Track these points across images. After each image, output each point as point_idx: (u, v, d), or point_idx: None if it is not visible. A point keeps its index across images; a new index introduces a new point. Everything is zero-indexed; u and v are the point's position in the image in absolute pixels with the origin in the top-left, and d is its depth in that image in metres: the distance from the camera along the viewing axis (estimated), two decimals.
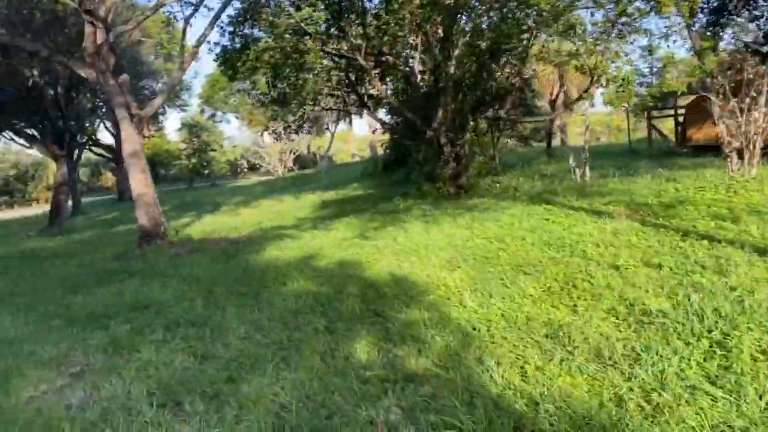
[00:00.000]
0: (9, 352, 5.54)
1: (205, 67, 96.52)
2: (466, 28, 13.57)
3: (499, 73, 13.77)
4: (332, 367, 4.22)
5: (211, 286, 7.25)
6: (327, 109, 19.65)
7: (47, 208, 35.62)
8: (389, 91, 14.43)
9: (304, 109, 18.37)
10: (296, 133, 21.28)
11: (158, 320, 5.99)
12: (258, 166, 47.23)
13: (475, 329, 4.67)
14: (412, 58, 14.59)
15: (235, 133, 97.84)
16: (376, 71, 14.24)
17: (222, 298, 6.59)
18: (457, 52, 12.48)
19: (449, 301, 5.43)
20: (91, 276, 9.34)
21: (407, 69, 14.68)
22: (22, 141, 23.52)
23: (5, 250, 15.18)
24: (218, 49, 15.43)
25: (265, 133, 50.67)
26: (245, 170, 51.06)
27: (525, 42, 11.67)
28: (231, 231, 13.06)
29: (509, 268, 6.25)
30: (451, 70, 12.53)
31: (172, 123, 69.46)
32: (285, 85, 17.04)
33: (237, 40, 15.10)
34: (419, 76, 15.11)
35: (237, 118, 63.04)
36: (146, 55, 33.79)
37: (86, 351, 5.32)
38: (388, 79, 16.13)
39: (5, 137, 25.00)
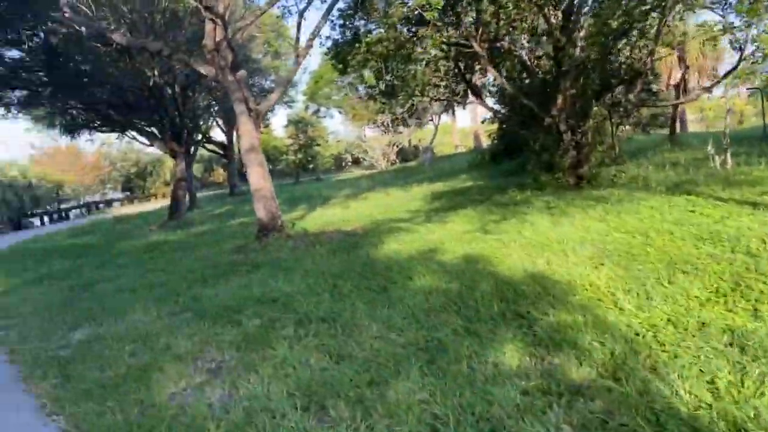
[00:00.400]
0: (146, 347, 5.61)
1: (311, 63, 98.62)
2: (586, 8, 12.73)
3: (626, 55, 12.81)
4: (482, 373, 3.85)
5: (336, 280, 7.07)
6: (435, 100, 19.29)
7: (164, 202, 37.74)
8: (503, 78, 13.83)
9: (413, 100, 18.07)
10: (404, 125, 21.09)
11: (287, 315, 5.87)
12: (362, 159, 47.63)
13: (638, 335, 4.15)
14: (529, 42, 13.91)
15: (338, 127, 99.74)
16: (490, 58, 13.65)
17: (349, 293, 6.39)
18: (582, 33, 11.72)
19: (601, 303, 4.91)
20: (215, 269, 9.49)
21: (523, 54, 14.01)
22: (143, 139, 24.86)
23: (131, 244, 15.97)
24: (329, 43, 15.49)
25: (367, 126, 51.16)
26: (349, 164, 51.70)
27: (660, 18, 10.70)
28: (344, 224, 12.98)
29: (662, 266, 5.60)
30: (576, 52, 11.77)
31: (278, 120, 71.61)
32: (393, 77, 16.82)
33: (347, 33, 15.05)
34: (535, 61, 14.42)
35: (340, 113, 64.16)
36: (256, 53, 34.81)
37: (220, 346, 5.28)
38: (501, 65, 15.49)
39: (128, 136, 26.51)
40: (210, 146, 38.69)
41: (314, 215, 16.62)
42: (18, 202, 36.69)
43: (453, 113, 46.17)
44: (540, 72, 14.40)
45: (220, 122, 38.27)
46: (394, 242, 9.35)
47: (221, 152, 39.62)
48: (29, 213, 38.35)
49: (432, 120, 36.21)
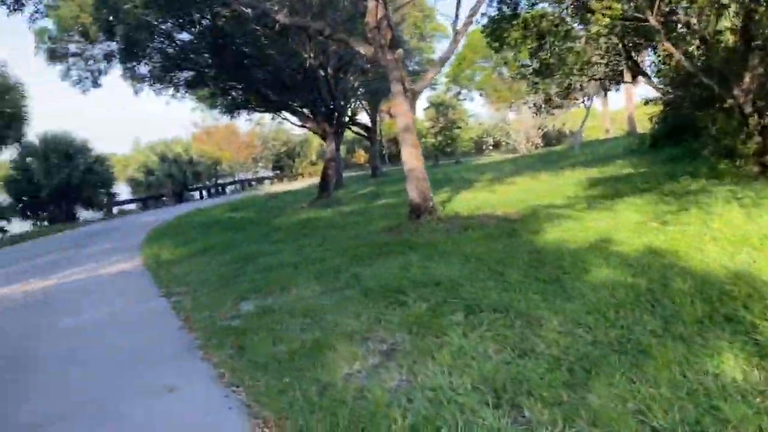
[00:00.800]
0: (315, 323, 5.60)
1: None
2: None
3: None
4: (701, 385, 3.33)
5: (501, 267, 6.70)
6: (595, 79, 18.13)
7: (310, 181, 39.17)
8: (680, 55, 12.55)
9: (570, 79, 17.10)
10: (559, 106, 20.10)
11: (454, 301, 5.59)
12: (504, 143, 46.53)
13: None
14: (710, 14, 12.52)
15: (478, 110, 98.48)
16: (665, 33, 12.44)
17: (517, 282, 5.98)
18: None
19: None
20: (370, 247, 9.45)
21: (702, 28, 12.64)
22: (294, 119, 25.79)
23: (285, 220, 16.57)
24: (484, 20, 14.96)
25: (509, 109, 49.82)
26: (490, 147, 50.73)
27: None
28: (495, 208, 12.51)
29: None
30: None
31: (418, 102, 71.68)
32: (549, 54, 15.98)
33: (505, 8, 14.45)
34: (715, 36, 12.98)
35: (481, 95, 63.14)
36: (404, 35, 34.90)
37: (389, 328, 5.13)
38: (675, 41, 14.14)
39: (280, 116, 27.60)
40: (354, 128, 39.53)
41: (460, 198, 16.25)
42: (181, 177, 39.83)
43: (605, 95, 43.60)
44: (722, 48, 12.94)
45: (365, 104, 38.91)
46: (557, 229, 8.79)
47: (365, 134, 40.35)
48: (190, 187, 41.51)
49: (583, 102, 34.34)
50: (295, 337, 5.22)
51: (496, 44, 15.11)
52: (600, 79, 18.41)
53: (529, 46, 15.84)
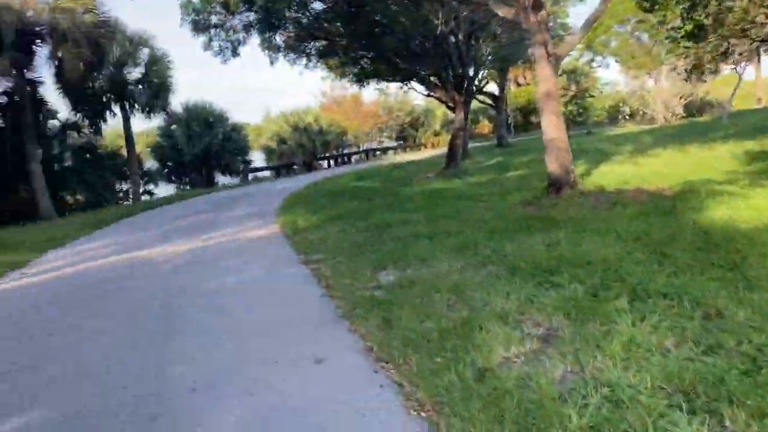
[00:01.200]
0: (460, 300, 5.34)
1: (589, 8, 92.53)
2: None
3: None
4: None
5: (662, 248, 6.08)
6: (761, 41, 16.18)
7: (433, 152, 38.84)
8: None
9: (728, 42, 15.40)
10: (715, 72, 18.17)
11: (614, 283, 5.11)
12: (641, 112, 43.50)
13: None
14: None
15: (614, 77, 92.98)
16: None
17: (686, 266, 5.36)
18: None
19: None
20: (507, 221, 9.05)
21: None
22: (421, 89, 25.47)
23: (412, 190, 16.43)
24: None
25: (649, 76, 46.37)
26: (626, 117, 47.73)
27: None
28: (643, 182, 11.55)
29: None
30: None
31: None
32: (704, 15, 14.44)
33: None
34: None
35: (617, 61, 59.38)
36: None
37: (543, 310, 4.75)
38: None
39: (407, 85, 27.34)
40: (481, 97, 38.54)
41: (600, 171, 15.25)
42: (311, 146, 40.98)
43: (759, 60, 39.34)
44: None
45: (493, 72, 37.76)
46: (722, 208, 7.91)
47: (491, 103, 39.24)
48: (318, 156, 42.64)
49: (735, 68, 31.04)
50: (442, 314, 4.98)
51: (647, 4, 13.91)
52: (764, 40, 16.41)
53: (681, 6, 14.45)
